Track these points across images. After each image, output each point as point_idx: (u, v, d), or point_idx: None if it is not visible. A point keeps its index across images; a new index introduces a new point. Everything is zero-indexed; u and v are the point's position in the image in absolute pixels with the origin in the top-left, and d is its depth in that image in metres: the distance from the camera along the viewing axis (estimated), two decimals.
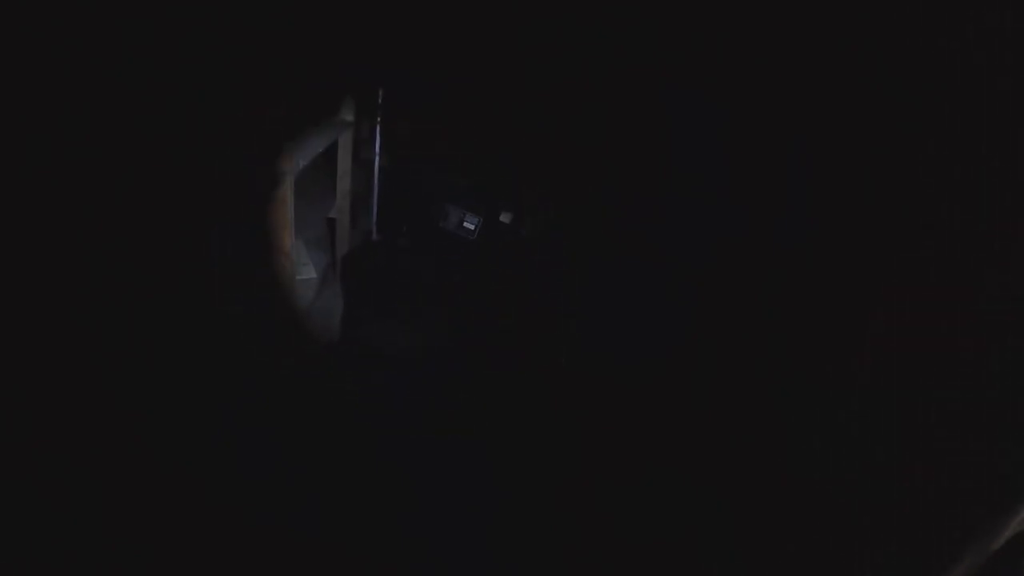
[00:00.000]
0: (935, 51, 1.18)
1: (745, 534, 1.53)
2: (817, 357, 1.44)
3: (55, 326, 1.37)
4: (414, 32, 2.26)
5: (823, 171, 1.45)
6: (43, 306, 1.36)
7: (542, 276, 2.52)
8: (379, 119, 2.54)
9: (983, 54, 1.10)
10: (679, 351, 1.82)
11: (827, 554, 1.34)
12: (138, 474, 1.38)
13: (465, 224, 2.67)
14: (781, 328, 1.53)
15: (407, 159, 2.65)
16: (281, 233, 1.82)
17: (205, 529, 1.41)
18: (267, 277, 1.82)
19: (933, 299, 1.19)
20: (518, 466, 1.94)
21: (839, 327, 1.39)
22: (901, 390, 1.24)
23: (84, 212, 1.39)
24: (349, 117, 2.36)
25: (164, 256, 1.60)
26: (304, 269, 2.14)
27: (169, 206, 1.59)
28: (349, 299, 2.44)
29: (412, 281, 2.65)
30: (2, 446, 1.22)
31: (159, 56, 1.46)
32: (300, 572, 1.51)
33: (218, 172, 1.70)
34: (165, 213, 1.58)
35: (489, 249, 2.66)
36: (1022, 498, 1.07)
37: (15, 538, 1.19)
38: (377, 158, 2.60)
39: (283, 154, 1.87)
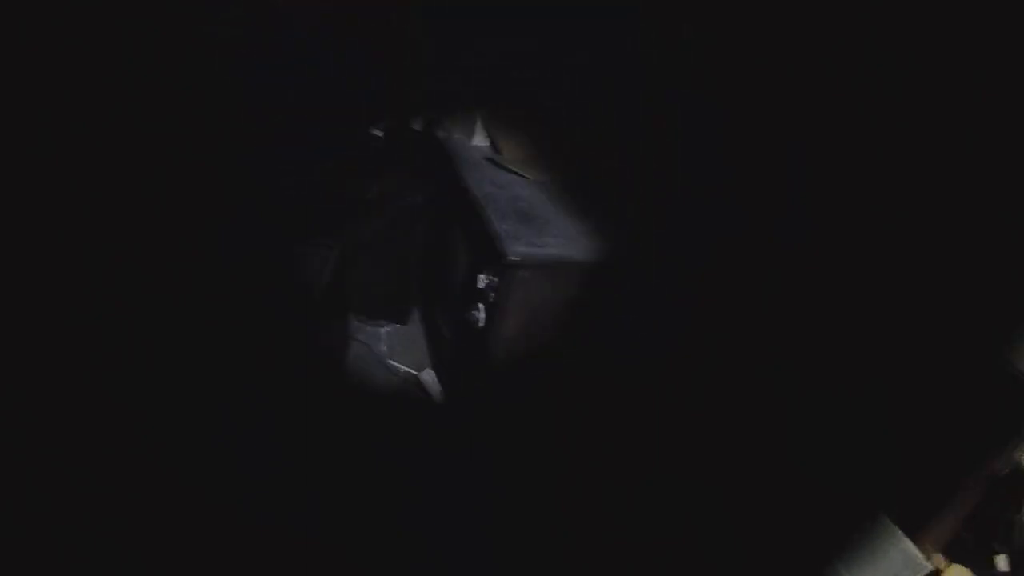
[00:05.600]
0: (935, 51, 1.19)
1: (745, 534, 1.54)
2: (817, 357, 1.44)
3: (56, 324, 1.37)
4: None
5: (823, 171, 1.46)
6: (44, 304, 1.36)
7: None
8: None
9: (983, 54, 1.10)
10: (678, 351, 1.82)
11: (827, 553, 1.34)
12: (138, 473, 1.38)
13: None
14: (781, 328, 1.54)
15: None
16: None
17: (205, 529, 1.40)
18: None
19: (933, 299, 1.20)
20: (518, 466, 1.95)
21: (839, 327, 1.39)
22: (901, 390, 1.24)
23: (86, 211, 1.39)
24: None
25: (165, 254, 1.60)
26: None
27: (171, 204, 1.59)
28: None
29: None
30: (2, 445, 1.22)
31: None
32: (300, 572, 1.50)
33: (219, 170, 1.70)
34: (168, 211, 1.58)
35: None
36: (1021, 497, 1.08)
37: (15, 538, 1.19)
38: None
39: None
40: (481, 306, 1.89)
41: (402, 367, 2.39)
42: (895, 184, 1.28)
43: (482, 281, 1.86)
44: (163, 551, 1.32)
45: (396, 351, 2.45)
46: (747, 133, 1.65)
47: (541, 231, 1.88)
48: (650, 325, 1.87)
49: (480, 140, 2.46)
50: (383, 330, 2.52)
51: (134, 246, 1.55)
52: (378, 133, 2.40)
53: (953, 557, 1.14)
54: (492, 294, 1.84)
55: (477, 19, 2.21)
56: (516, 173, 2.22)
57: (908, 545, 1.18)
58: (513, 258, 1.72)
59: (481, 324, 1.90)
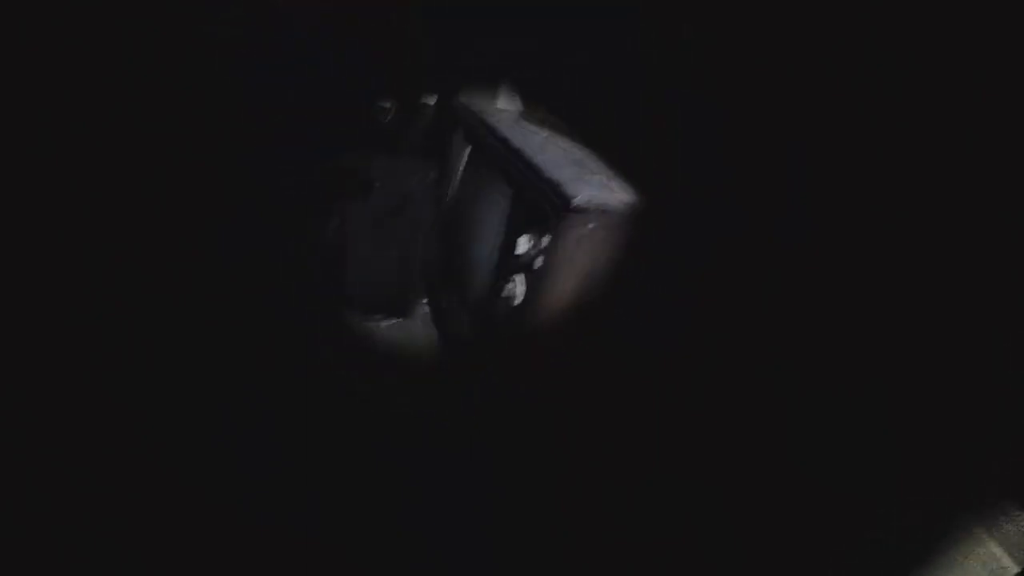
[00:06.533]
0: (935, 51, 1.19)
1: (745, 534, 1.54)
2: (817, 357, 1.44)
3: (56, 324, 1.37)
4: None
5: (823, 171, 1.46)
6: (44, 304, 1.35)
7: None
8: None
9: (983, 54, 1.10)
10: (678, 351, 1.82)
11: (826, 553, 1.34)
12: (138, 473, 1.38)
13: None
14: (781, 328, 1.54)
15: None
16: None
17: (205, 529, 1.40)
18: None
19: (932, 299, 1.20)
20: (518, 466, 1.94)
21: (839, 327, 1.39)
22: (901, 390, 1.24)
23: (86, 211, 1.39)
24: None
25: (165, 254, 1.60)
26: None
27: (172, 204, 1.59)
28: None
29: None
30: (2, 445, 1.22)
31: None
32: (300, 572, 1.50)
33: (220, 171, 1.70)
34: (168, 211, 1.58)
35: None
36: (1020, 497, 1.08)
37: (15, 538, 1.19)
38: None
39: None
40: (518, 278, 1.56)
41: (405, 362, 2.27)
42: (895, 184, 1.28)
43: (523, 244, 1.53)
44: (163, 551, 1.32)
45: (398, 347, 2.33)
46: (747, 133, 1.65)
47: (605, 179, 1.56)
48: (649, 324, 1.87)
49: (505, 103, 2.29)
50: (383, 325, 2.40)
51: (134, 246, 1.55)
52: (385, 107, 2.26)
53: None
54: (539, 258, 1.50)
55: (477, 19, 2.21)
56: (554, 132, 1.96)
57: (992, 547, 1.10)
58: (581, 202, 1.38)
59: (519, 300, 1.56)
